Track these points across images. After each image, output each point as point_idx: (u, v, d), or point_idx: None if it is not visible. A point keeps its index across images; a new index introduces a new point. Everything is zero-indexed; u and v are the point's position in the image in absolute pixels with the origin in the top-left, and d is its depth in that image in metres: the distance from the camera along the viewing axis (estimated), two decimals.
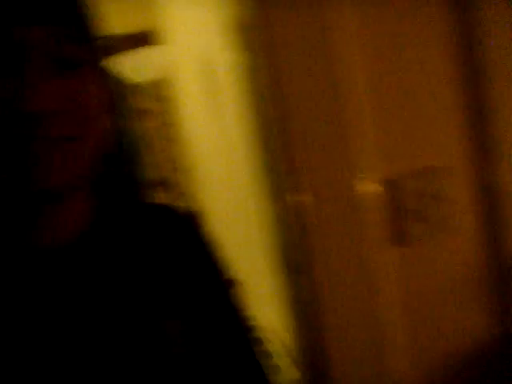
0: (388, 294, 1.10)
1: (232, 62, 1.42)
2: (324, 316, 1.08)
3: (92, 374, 0.54)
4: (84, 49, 0.53)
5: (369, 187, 1.09)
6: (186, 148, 2.73)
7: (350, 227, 1.07)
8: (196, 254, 0.68)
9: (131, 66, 2.76)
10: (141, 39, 2.80)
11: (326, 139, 1.06)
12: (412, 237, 1.13)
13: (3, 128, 0.49)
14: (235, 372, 0.67)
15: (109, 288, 0.58)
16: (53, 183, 0.51)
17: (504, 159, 1.16)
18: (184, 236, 0.68)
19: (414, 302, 1.14)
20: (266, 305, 1.50)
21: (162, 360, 0.58)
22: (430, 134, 1.15)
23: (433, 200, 1.13)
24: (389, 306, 1.11)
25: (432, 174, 1.13)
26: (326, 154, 1.06)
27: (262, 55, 1.05)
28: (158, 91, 3.01)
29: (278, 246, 1.26)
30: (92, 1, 0.56)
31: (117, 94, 0.62)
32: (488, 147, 1.16)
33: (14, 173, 0.50)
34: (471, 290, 1.18)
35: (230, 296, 0.70)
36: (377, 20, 1.09)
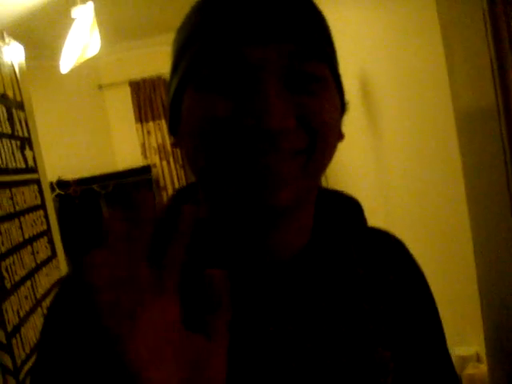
0: None
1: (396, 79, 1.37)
2: None
3: None
4: (320, 65, 0.53)
5: None
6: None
7: None
8: (413, 284, 0.67)
9: None
10: None
11: None
12: None
13: (236, 143, 0.50)
14: None
15: (322, 306, 0.57)
16: (283, 197, 0.51)
17: None
18: (402, 265, 0.67)
19: None
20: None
21: None
22: None
23: None
24: None
25: None
26: None
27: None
28: None
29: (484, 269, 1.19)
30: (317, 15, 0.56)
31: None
32: None
33: (245, 187, 0.51)
34: None
35: (441, 331, 0.68)
36: None
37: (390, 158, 2.14)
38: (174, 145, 0.60)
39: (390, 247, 0.67)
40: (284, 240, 0.57)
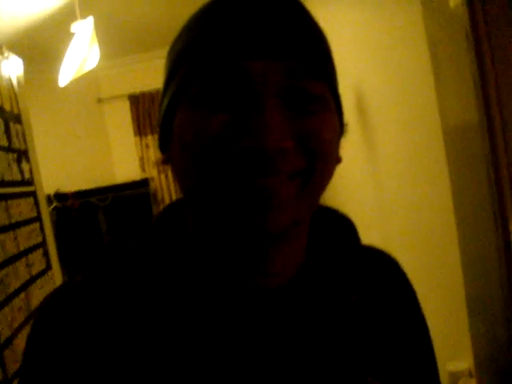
0: None
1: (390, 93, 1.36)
2: None
3: None
4: (320, 84, 0.51)
5: None
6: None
7: None
8: (406, 307, 0.65)
9: None
10: None
11: None
12: None
13: (230, 163, 0.48)
14: None
15: (312, 337, 0.55)
16: (280, 221, 0.48)
17: None
18: (395, 286, 0.65)
19: None
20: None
21: None
22: None
23: None
24: None
25: None
26: None
27: None
28: None
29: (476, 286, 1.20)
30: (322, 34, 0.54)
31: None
32: None
33: (239, 210, 0.48)
34: None
35: (432, 356, 0.66)
36: None
37: (386, 172, 2.15)
38: (163, 162, 0.57)
39: (383, 267, 0.65)
40: (277, 265, 0.54)
